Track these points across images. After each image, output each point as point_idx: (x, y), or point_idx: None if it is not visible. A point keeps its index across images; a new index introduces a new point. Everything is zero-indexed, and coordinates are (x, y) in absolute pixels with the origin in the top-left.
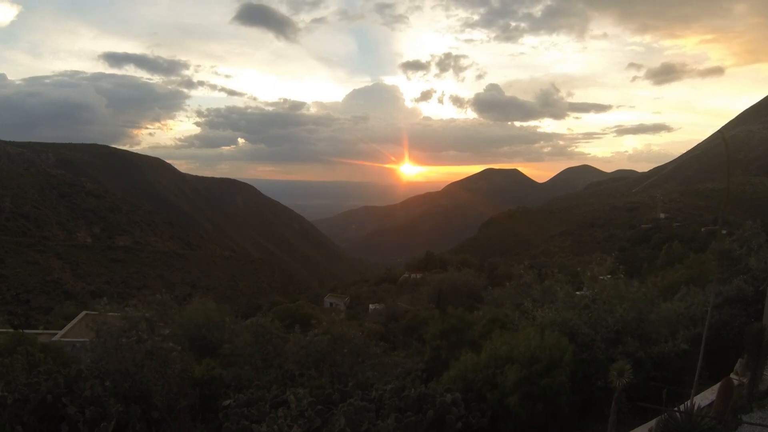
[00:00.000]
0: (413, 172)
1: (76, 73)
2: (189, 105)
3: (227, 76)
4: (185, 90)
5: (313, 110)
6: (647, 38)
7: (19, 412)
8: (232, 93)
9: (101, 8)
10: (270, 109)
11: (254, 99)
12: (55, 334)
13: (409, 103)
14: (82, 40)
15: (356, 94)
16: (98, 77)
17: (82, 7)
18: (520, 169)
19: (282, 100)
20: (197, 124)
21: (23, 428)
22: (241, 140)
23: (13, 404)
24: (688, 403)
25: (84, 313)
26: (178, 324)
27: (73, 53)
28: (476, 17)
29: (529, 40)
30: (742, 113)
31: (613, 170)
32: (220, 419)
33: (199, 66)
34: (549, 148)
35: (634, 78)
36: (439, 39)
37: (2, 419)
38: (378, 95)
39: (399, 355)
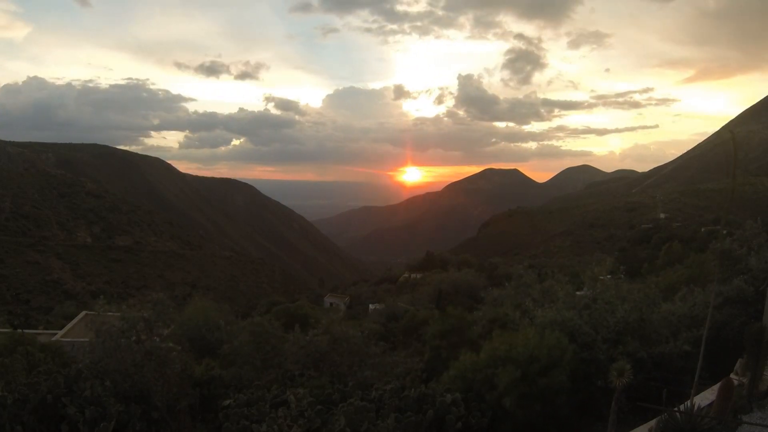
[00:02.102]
0: (404, 172)
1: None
2: (183, 107)
3: (218, 80)
4: (179, 94)
5: (303, 112)
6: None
7: (19, 412)
8: (223, 98)
9: (101, 24)
10: (261, 111)
11: (246, 104)
12: (55, 334)
13: (395, 105)
14: (81, 52)
15: (340, 97)
16: (93, 82)
17: (82, 24)
18: (517, 168)
19: (272, 103)
20: (191, 126)
21: (23, 428)
22: (236, 141)
23: (13, 404)
24: (688, 403)
25: (84, 313)
26: (177, 324)
27: (74, 63)
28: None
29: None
30: (742, 113)
31: (612, 170)
32: (220, 419)
33: (189, 74)
34: (536, 147)
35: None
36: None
37: (2, 419)
38: (363, 98)
39: (399, 355)
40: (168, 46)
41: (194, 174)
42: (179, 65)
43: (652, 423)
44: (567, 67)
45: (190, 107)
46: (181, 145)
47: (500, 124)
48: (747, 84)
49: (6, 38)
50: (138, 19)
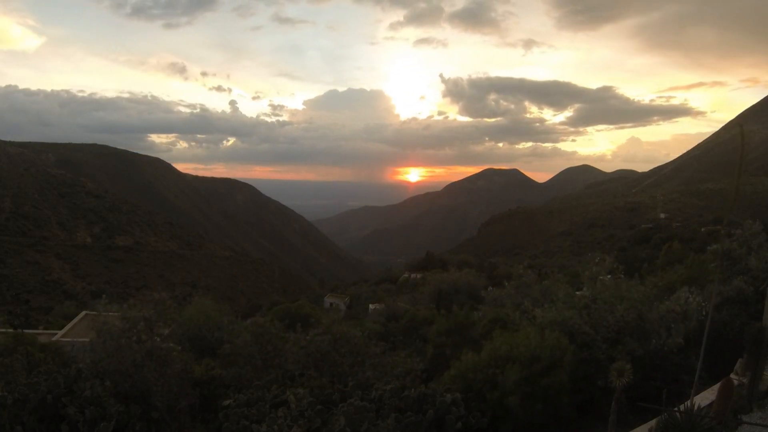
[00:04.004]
0: (404, 172)
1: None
2: (178, 110)
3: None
4: (173, 99)
5: (294, 114)
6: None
7: (19, 412)
8: (217, 101)
9: (104, 39)
10: (254, 113)
11: (239, 106)
12: (55, 334)
13: (386, 107)
14: (84, 62)
15: (331, 100)
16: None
17: (82, 39)
18: (516, 168)
19: (263, 105)
20: (186, 128)
21: (23, 428)
22: (230, 142)
23: (13, 404)
24: (688, 403)
25: (84, 313)
26: (178, 324)
27: (78, 72)
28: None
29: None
30: (742, 113)
31: (612, 170)
32: (220, 419)
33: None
34: (527, 147)
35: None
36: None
37: (2, 419)
38: (353, 100)
39: (399, 355)
40: (162, 56)
41: (193, 174)
42: (141, 64)
43: (652, 423)
44: (530, 71)
45: (186, 110)
46: (178, 147)
47: (490, 123)
48: (711, 93)
49: (20, 49)
50: (138, 35)
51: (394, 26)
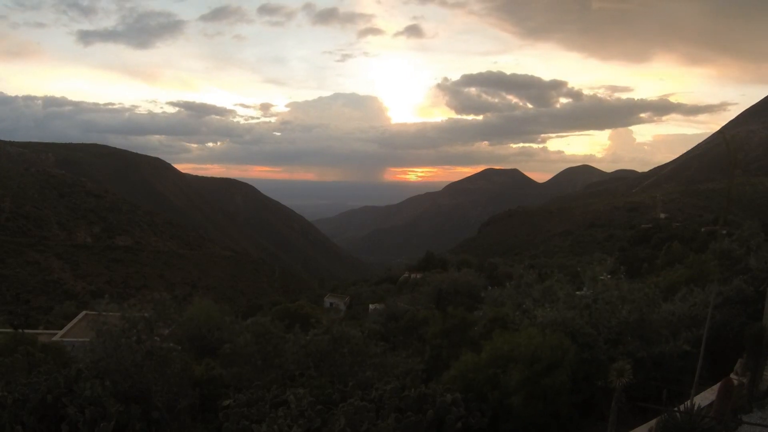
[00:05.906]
0: (403, 172)
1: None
2: (175, 111)
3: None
4: (170, 100)
5: (289, 116)
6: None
7: (19, 412)
8: (213, 103)
9: (105, 52)
10: (248, 114)
11: (234, 108)
12: (55, 334)
13: (381, 109)
14: (77, 72)
15: (326, 103)
16: None
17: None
18: (518, 168)
19: (256, 108)
20: (184, 128)
21: (23, 428)
22: (224, 142)
23: (13, 404)
24: (688, 403)
25: (84, 313)
26: (178, 324)
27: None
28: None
29: None
30: (742, 113)
31: (612, 170)
32: (220, 419)
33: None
34: (520, 145)
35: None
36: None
37: (2, 419)
38: (343, 103)
39: (399, 355)
40: (155, 63)
41: (193, 174)
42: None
43: (652, 423)
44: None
45: (178, 111)
46: (173, 148)
47: (479, 121)
48: (690, 97)
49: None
50: (131, 47)
51: (366, 36)
